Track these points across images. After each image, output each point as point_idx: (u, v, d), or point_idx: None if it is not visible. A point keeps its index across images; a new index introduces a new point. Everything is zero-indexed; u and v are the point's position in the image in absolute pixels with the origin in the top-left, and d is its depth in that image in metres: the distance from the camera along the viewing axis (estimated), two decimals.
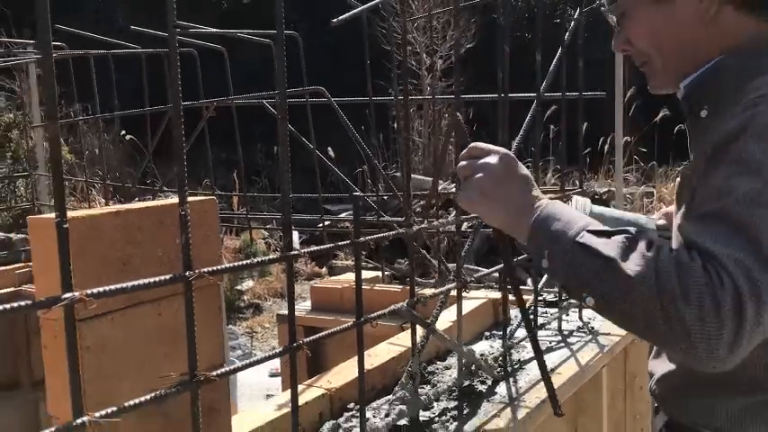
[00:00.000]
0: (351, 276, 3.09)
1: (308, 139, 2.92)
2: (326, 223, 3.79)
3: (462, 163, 1.08)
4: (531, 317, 1.96)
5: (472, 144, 1.09)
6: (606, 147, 8.26)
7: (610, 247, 0.89)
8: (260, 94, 2.88)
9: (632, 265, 0.86)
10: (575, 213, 0.99)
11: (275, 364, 5.24)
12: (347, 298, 2.54)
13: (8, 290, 3.14)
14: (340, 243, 1.23)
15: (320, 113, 3.00)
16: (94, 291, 0.80)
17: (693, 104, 1.10)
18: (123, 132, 4.16)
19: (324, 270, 8.05)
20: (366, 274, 2.85)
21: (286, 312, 2.83)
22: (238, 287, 7.17)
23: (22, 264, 3.48)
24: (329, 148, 7.43)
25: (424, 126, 9.82)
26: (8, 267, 3.42)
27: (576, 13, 2.03)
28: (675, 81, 1.13)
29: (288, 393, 1.50)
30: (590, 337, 2.00)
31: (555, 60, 1.98)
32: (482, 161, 1.04)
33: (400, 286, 2.62)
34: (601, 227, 0.94)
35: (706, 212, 0.90)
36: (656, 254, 0.86)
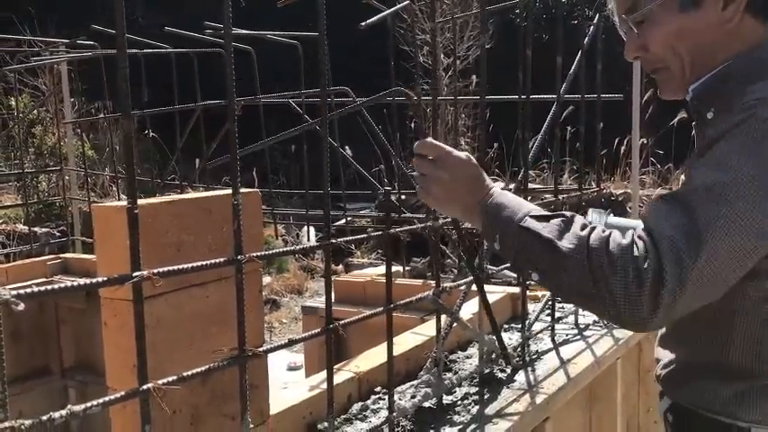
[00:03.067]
0: (370, 271, 3.17)
1: (330, 138, 3.01)
2: (348, 219, 3.87)
3: (419, 161, 1.19)
4: (549, 311, 2.04)
5: (424, 142, 1.19)
6: (623, 148, 8.28)
7: (548, 229, 1.02)
8: (286, 93, 2.97)
9: (567, 244, 0.99)
10: (520, 200, 1.12)
11: (293, 358, 5.34)
12: (369, 291, 2.63)
13: (41, 280, 3.26)
14: (373, 233, 1.31)
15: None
16: (161, 270, 0.89)
17: (701, 107, 1.16)
18: (146, 131, 4.26)
19: (340, 267, 8.14)
20: (383, 270, 2.94)
21: (311, 305, 2.91)
22: None
23: (53, 256, 3.60)
24: (346, 147, 7.52)
25: (440, 126, 9.88)
26: (39, 259, 3.54)
27: (596, 18, 2.10)
28: (690, 86, 1.18)
29: (317, 377, 1.60)
30: (605, 330, 2.07)
31: (575, 63, 2.05)
32: (434, 171, 1.16)
33: (420, 281, 2.70)
34: (542, 211, 1.06)
35: (666, 195, 1.03)
36: (589, 233, 0.99)
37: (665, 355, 1.27)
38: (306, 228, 8.16)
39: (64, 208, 5.29)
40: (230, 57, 1.00)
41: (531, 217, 1.05)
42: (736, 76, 1.09)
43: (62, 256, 3.55)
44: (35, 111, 7.91)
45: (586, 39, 2.04)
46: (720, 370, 1.12)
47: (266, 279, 7.59)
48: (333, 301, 2.95)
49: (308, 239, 8.00)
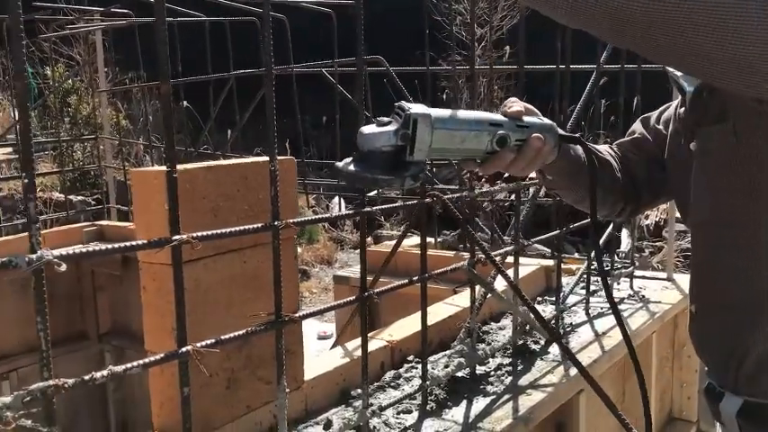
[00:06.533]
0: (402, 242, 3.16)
1: (364, 109, 2.99)
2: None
3: None
4: (584, 284, 2.02)
5: None
6: None
7: None
8: (319, 63, 2.95)
9: None
10: None
11: (323, 327, 5.39)
12: (400, 262, 2.62)
13: (77, 246, 3.31)
14: (408, 202, 1.30)
15: (370, 83, 3.06)
16: (200, 234, 0.89)
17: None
18: (185, 103, 4.25)
19: (369, 239, 8.17)
20: (414, 241, 2.92)
21: (342, 274, 2.91)
22: None
23: (89, 223, 3.66)
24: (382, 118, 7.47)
25: (473, 98, 9.77)
26: (75, 226, 3.59)
27: None
28: None
29: (350, 345, 1.60)
30: (641, 304, 2.04)
31: None
32: None
33: (452, 252, 2.69)
34: None
35: None
36: None
37: (741, 348, 1.06)
38: (335, 199, 8.18)
39: (98, 177, 5.36)
40: (268, 19, 0.99)
41: None
42: None
43: (98, 223, 3.60)
44: (70, 80, 7.99)
45: None
46: None
47: (297, 250, 7.66)
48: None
49: (339, 210, 8.03)
